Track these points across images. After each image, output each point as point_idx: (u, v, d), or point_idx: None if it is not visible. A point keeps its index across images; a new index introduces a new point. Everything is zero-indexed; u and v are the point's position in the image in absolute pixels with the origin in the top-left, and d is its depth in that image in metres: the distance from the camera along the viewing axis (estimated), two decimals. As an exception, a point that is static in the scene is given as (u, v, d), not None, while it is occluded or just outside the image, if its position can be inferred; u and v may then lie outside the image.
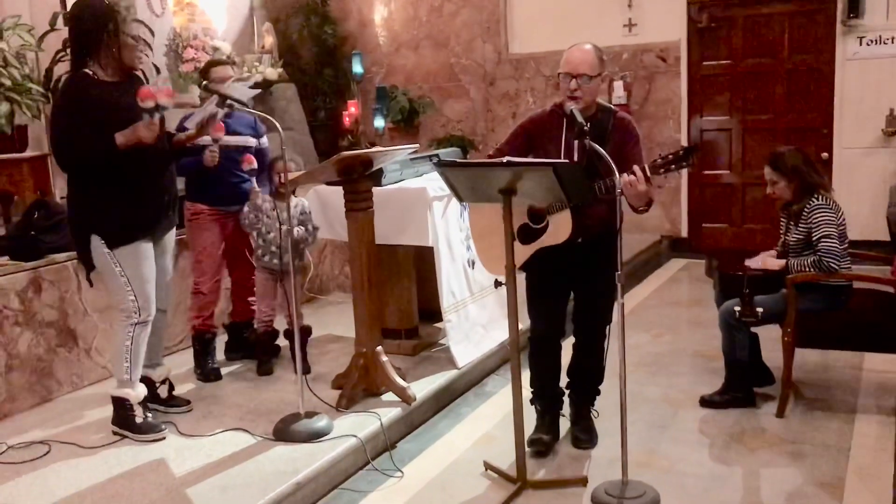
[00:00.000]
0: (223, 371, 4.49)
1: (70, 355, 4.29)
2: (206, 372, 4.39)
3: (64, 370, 4.26)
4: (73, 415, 3.97)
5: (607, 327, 3.56)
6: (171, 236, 3.79)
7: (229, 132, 4.25)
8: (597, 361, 3.61)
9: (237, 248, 4.52)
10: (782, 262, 3.88)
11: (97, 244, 3.49)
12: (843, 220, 3.79)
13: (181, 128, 3.94)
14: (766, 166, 3.93)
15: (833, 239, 3.70)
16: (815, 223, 3.74)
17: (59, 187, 5.02)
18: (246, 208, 4.33)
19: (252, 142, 4.46)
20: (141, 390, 3.65)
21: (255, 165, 4.34)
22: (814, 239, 3.74)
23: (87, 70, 3.44)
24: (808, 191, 3.82)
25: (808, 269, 3.74)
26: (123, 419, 3.65)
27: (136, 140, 3.35)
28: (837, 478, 3.28)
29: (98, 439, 3.65)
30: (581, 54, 3.32)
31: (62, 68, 4.98)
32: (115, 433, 3.66)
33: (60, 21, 5.13)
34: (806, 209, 3.79)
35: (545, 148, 3.39)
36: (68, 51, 4.84)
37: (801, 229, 3.82)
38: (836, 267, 3.69)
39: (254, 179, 4.42)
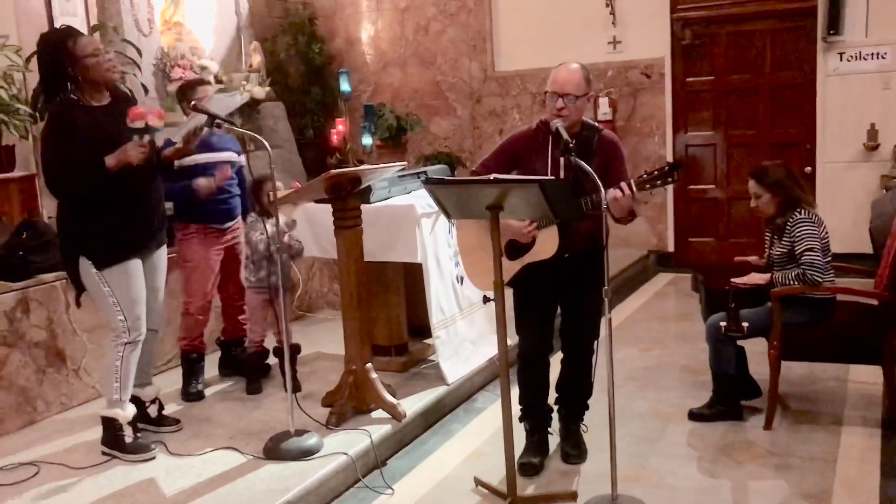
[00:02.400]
0: (214, 389, 4.50)
1: (59, 376, 4.28)
2: (189, 393, 4.39)
3: (53, 391, 4.24)
4: (62, 436, 3.96)
5: (595, 342, 3.58)
6: (162, 255, 3.79)
7: (216, 148, 4.27)
8: (585, 376, 3.63)
9: (227, 267, 4.52)
10: (767, 276, 3.93)
11: (85, 265, 3.49)
12: (826, 233, 3.84)
13: (168, 143, 3.96)
14: (751, 180, 3.98)
15: (815, 252, 3.75)
16: (797, 237, 3.79)
17: (47, 207, 5.01)
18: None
19: (234, 157, 4.48)
20: (130, 410, 3.64)
21: (231, 178, 4.36)
22: (797, 252, 3.79)
23: (73, 96, 3.44)
24: (792, 205, 3.86)
25: (792, 283, 3.79)
26: (113, 439, 3.64)
27: (125, 162, 3.36)
28: (824, 490, 3.31)
29: (87, 460, 3.63)
30: (568, 74, 3.36)
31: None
32: (104, 453, 3.65)
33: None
34: (789, 223, 3.84)
35: (531, 164, 3.43)
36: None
37: (784, 243, 3.87)
38: (820, 280, 3.74)
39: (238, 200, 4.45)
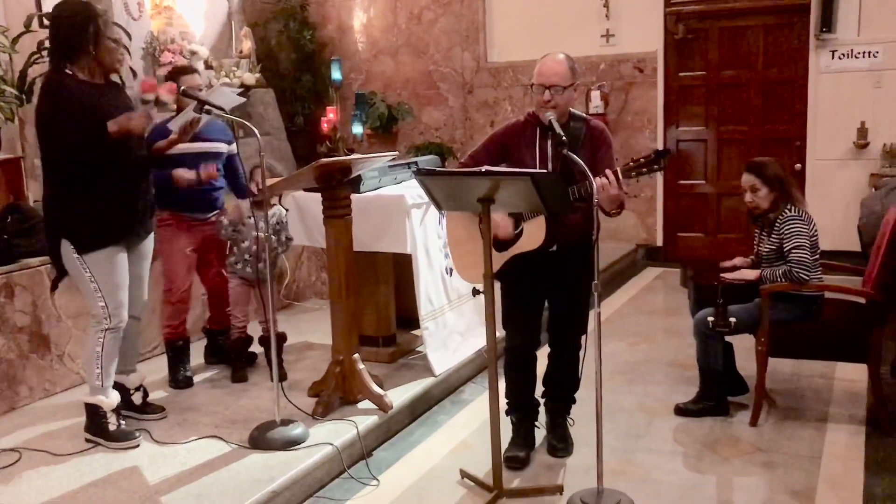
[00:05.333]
0: (200, 377, 4.47)
1: (42, 361, 4.24)
2: (178, 379, 4.36)
3: (36, 376, 4.20)
4: (45, 422, 3.92)
5: (583, 337, 3.58)
6: (148, 243, 3.76)
7: (205, 138, 4.22)
8: (572, 370, 3.62)
9: (210, 256, 4.49)
10: (756, 272, 3.93)
11: (67, 249, 3.45)
12: (816, 231, 3.84)
13: (162, 131, 3.92)
14: (748, 174, 3.92)
15: (804, 250, 3.75)
16: (787, 234, 3.79)
17: (33, 191, 4.96)
18: (224, 220, 4.31)
19: (223, 147, 4.43)
20: (114, 397, 3.62)
21: (216, 179, 4.30)
22: (785, 250, 3.79)
23: (67, 70, 3.41)
24: (785, 201, 3.85)
25: (780, 280, 3.79)
26: (96, 426, 3.61)
27: (127, 128, 3.34)
28: (809, 486, 3.32)
29: (70, 447, 3.60)
30: (554, 65, 3.35)
31: (37, 70, 4.92)
32: (87, 440, 3.62)
33: (35, 23, 5.07)
34: (779, 220, 3.84)
35: (520, 157, 3.41)
36: (44, 52, 4.84)
37: (773, 240, 3.87)
38: (807, 277, 3.74)
39: (226, 187, 4.41)
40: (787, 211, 3.84)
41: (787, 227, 3.80)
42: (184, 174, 4.11)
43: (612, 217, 3.38)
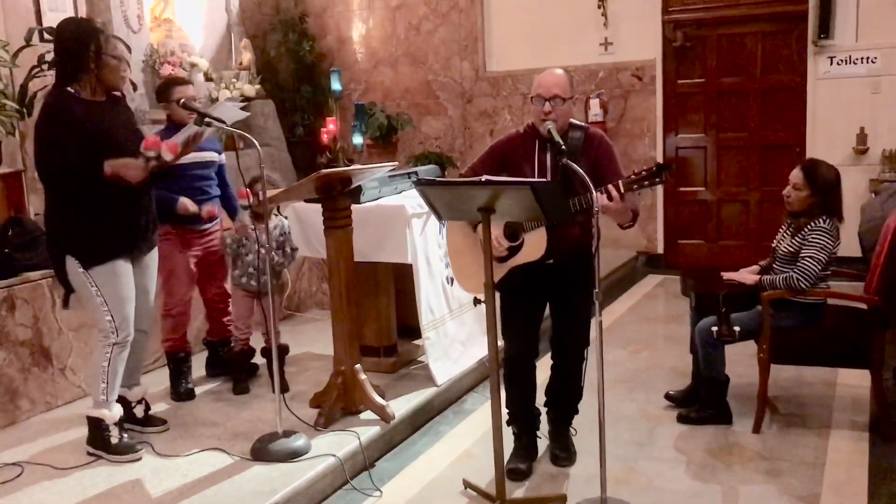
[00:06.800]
0: (201, 389, 4.47)
1: (44, 374, 4.23)
2: (179, 392, 4.36)
3: (37, 390, 4.20)
4: (46, 435, 3.92)
5: (586, 350, 3.57)
6: (153, 257, 3.76)
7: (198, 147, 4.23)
8: (575, 382, 3.62)
9: (209, 268, 4.49)
10: (756, 277, 3.92)
11: (72, 264, 3.46)
12: (837, 249, 3.79)
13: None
14: (799, 171, 3.85)
15: (817, 263, 3.70)
16: (809, 242, 3.75)
17: (34, 205, 4.97)
18: (228, 238, 4.32)
19: (214, 156, 4.44)
20: (117, 410, 3.61)
21: (217, 217, 4.39)
22: (800, 256, 3.76)
23: (69, 88, 3.42)
24: (824, 211, 3.79)
25: (779, 286, 3.78)
26: (99, 440, 3.60)
27: (122, 176, 3.35)
28: (813, 493, 3.31)
29: (73, 460, 3.60)
30: (553, 78, 3.38)
31: (37, 84, 4.95)
32: (90, 454, 3.62)
33: (36, 37, 5.09)
34: (809, 226, 3.78)
35: (519, 167, 3.42)
36: (44, 66, 4.86)
37: (794, 242, 3.82)
38: (805, 287, 3.72)
39: (240, 210, 4.44)
40: (820, 221, 3.77)
41: (813, 237, 3.75)
42: (189, 206, 4.17)
43: (627, 229, 3.39)
